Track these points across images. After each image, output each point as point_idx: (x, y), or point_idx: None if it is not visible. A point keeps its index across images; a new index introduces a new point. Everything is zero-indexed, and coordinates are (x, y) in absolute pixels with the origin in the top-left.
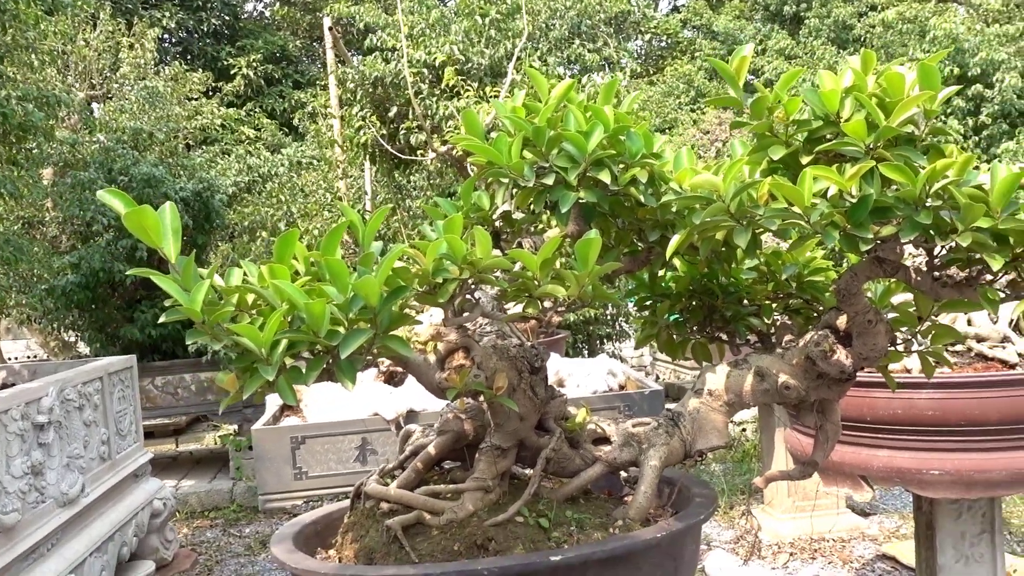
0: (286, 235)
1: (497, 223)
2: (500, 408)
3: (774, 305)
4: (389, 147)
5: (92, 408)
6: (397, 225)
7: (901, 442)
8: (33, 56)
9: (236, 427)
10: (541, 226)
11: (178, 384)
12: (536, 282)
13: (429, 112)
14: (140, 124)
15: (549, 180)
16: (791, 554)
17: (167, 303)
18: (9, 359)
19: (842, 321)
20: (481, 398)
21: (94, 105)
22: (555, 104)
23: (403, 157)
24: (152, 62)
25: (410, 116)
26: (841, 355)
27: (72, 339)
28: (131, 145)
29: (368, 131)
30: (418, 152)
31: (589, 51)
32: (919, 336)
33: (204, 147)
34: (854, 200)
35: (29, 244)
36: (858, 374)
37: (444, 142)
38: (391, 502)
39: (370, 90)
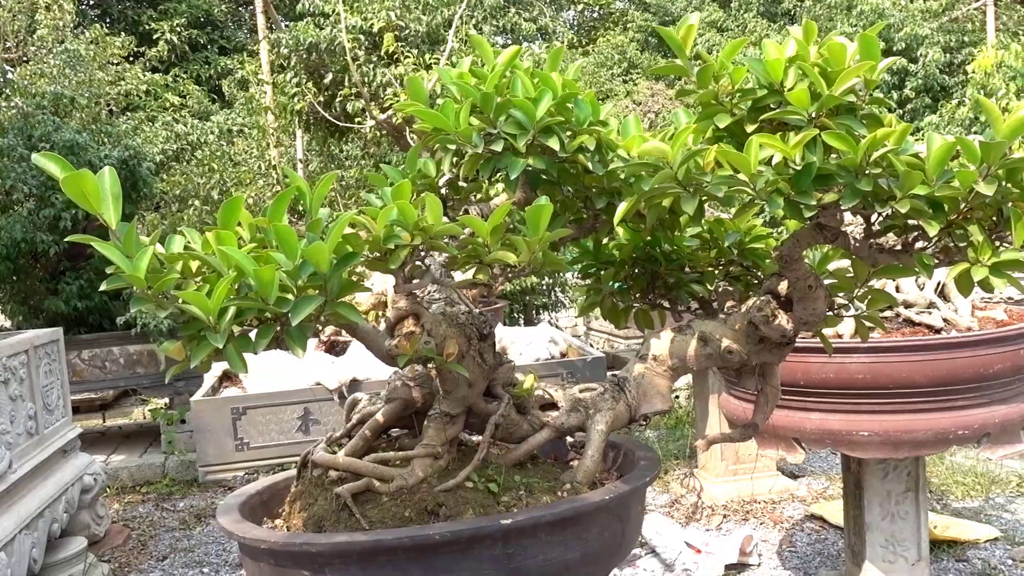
0: (231, 201)
1: (443, 190)
2: (449, 375)
3: (716, 272)
4: (326, 115)
5: (18, 382)
6: (333, 195)
7: (833, 405)
8: None
9: (167, 400)
10: (481, 195)
11: (106, 357)
12: (487, 248)
13: (367, 79)
14: (61, 89)
15: (498, 147)
16: (724, 516)
17: (108, 270)
18: None
19: (783, 287)
20: (430, 365)
21: (6, 68)
22: (502, 70)
23: (341, 125)
24: (71, 24)
25: (346, 83)
26: (782, 320)
27: None
28: (51, 111)
29: (304, 98)
30: (355, 120)
31: (525, 20)
32: (855, 301)
33: (129, 114)
34: (798, 168)
35: None
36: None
37: (383, 110)
38: (339, 470)
39: (304, 56)
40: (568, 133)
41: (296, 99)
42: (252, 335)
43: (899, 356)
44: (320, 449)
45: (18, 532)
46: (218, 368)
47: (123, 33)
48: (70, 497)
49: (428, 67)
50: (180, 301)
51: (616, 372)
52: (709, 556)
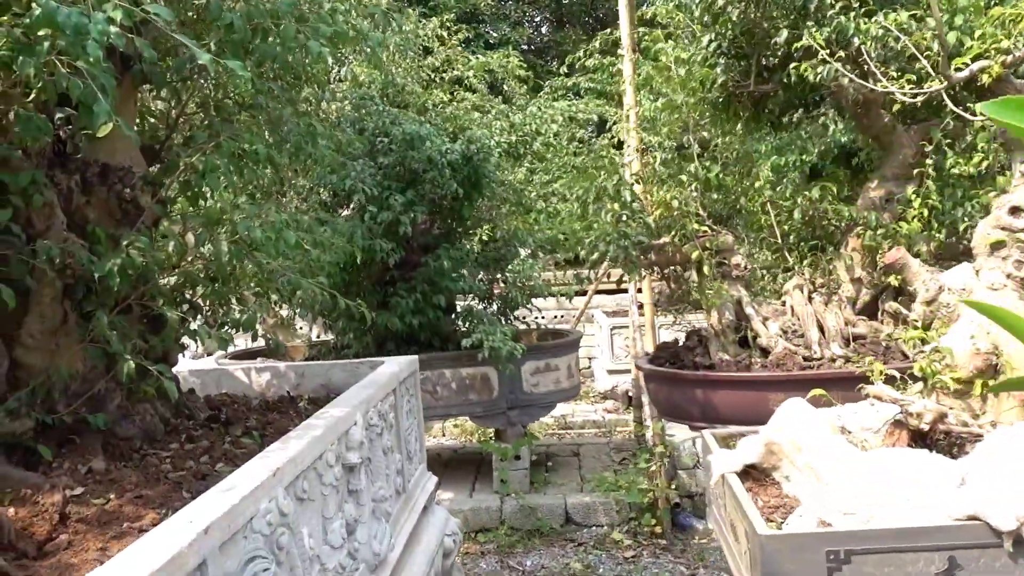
0: None
1: None
2: None
3: None
4: (849, 75)
5: (388, 430)
6: (767, 194)
7: None
8: None
9: (497, 430)
10: None
11: (437, 381)
12: None
13: (842, 34)
14: (392, 76)
15: None
16: None
17: None
18: None
19: None
20: None
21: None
22: None
23: (881, 90)
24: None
25: (805, 40)
26: None
27: (288, 313)
28: (381, 100)
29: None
30: (810, 92)
31: None
32: None
33: (455, 104)
34: None
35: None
36: None
37: (957, 68)
38: None
39: (739, 6)
40: None
41: (720, 70)
42: None
43: None
44: None
45: None
46: (731, 457)
47: None
48: (436, 569)
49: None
50: None
51: None
52: None
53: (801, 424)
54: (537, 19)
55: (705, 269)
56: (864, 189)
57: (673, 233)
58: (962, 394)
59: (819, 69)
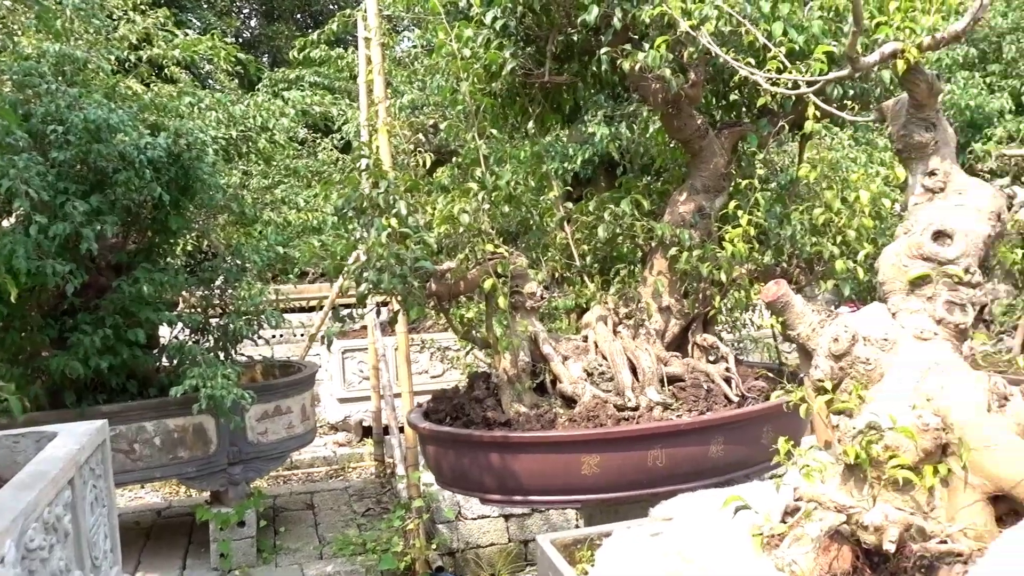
0: None
1: None
2: None
3: None
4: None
5: (61, 542)
6: (566, 207)
7: None
8: None
9: (213, 493)
10: None
11: (135, 437)
12: None
13: (666, 16)
14: (69, 48)
15: None
16: None
17: None
18: None
19: None
20: None
21: None
22: None
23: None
24: None
25: (616, 23)
26: None
27: None
28: (53, 78)
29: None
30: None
31: None
32: None
33: (156, 88)
34: None
35: None
36: None
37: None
38: None
39: None
40: None
41: (509, 54)
42: None
43: None
44: None
45: None
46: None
47: None
48: None
49: None
50: None
51: None
52: None
53: (708, 541)
54: (246, 11)
55: (500, 301)
56: (671, 202)
57: (461, 256)
58: (902, 486)
59: (639, 56)
